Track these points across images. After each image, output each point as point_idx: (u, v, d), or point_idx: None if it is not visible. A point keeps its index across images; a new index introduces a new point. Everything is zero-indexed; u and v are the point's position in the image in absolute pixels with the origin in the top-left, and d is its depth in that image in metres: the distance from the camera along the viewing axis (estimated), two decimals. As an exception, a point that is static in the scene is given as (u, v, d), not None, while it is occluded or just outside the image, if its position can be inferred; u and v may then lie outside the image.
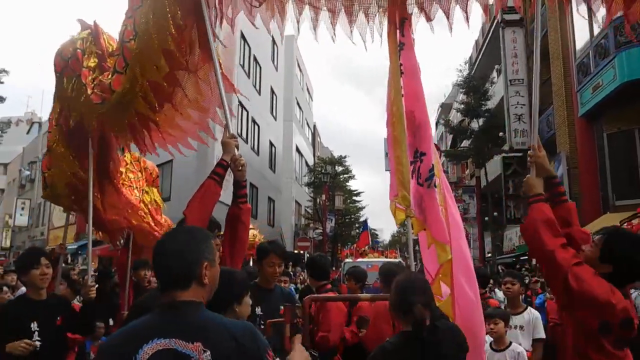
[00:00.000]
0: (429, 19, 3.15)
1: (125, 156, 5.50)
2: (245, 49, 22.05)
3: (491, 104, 21.41)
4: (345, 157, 34.51)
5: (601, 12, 3.14)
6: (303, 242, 28.47)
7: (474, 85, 21.96)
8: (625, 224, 8.98)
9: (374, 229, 48.96)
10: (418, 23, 3.22)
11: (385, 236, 72.75)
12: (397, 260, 13.94)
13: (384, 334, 3.22)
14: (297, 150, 34.61)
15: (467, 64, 24.48)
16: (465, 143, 24.47)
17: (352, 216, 37.31)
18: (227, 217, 2.98)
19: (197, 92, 3.32)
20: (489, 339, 4.12)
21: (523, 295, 6.28)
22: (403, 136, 3.05)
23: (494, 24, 20.73)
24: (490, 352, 4.05)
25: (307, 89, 40.60)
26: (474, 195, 25.05)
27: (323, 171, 31.09)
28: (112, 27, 3.65)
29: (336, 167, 33.21)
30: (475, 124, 21.88)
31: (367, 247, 18.85)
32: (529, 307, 4.91)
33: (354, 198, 38.43)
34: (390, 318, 3.04)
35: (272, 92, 27.79)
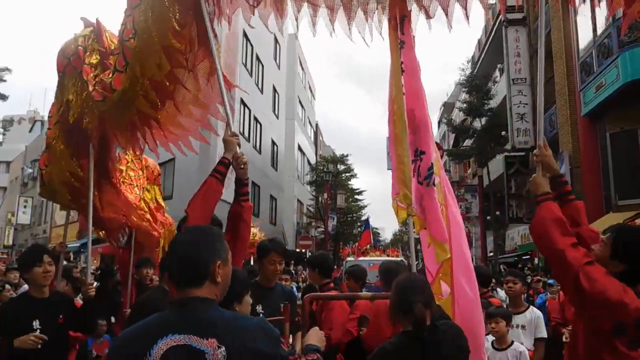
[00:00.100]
0: (428, 16, 3.13)
1: (126, 154, 5.51)
2: (247, 47, 22.06)
3: (494, 103, 21.36)
4: (347, 155, 34.52)
5: (603, 12, 3.13)
6: (305, 241, 28.49)
7: (476, 84, 21.92)
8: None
9: (376, 228, 48.98)
10: (420, 21, 3.21)
11: (387, 235, 72.88)
12: (399, 259, 13.91)
13: (385, 333, 3.21)
14: (299, 148, 34.61)
15: (470, 63, 24.45)
16: (468, 142, 24.43)
17: (354, 215, 37.32)
18: (229, 215, 2.98)
19: (197, 89, 3.31)
20: (490, 338, 4.12)
21: (525, 295, 6.28)
22: (404, 134, 3.03)
23: (497, 23, 20.69)
24: (492, 351, 4.05)
25: (310, 88, 40.59)
26: (476, 195, 25.02)
27: (325, 170, 31.11)
28: (115, 25, 3.65)
29: (338, 166, 33.20)
30: (477, 123, 21.85)
31: (369, 245, 18.85)
32: (531, 307, 4.90)
33: (356, 197, 38.45)
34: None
35: (275, 90, 27.78)
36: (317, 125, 43.69)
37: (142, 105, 3.20)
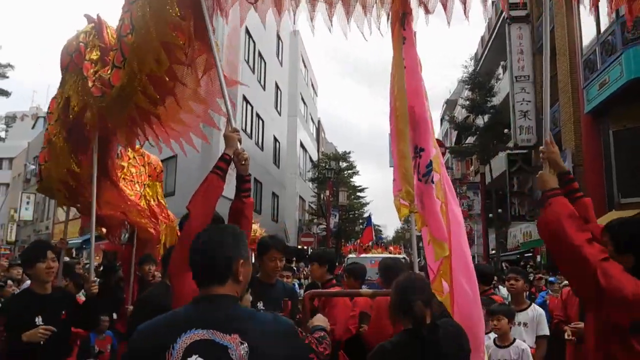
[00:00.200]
0: (427, 11, 3.12)
1: (128, 150, 5.51)
2: (250, 44, 22.04)
3: (496, 101, 21.33)
4: (349, 152, 34.54)
5: (604, 9, 3.11)
6: (307, 238, 28.53)
7: (479, 81, 21.89)
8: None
9: (378, 225, 48.93)
10: (423, 18, 3.19)
11: (389, 232, 72.90)
12: (401, 256, 13.88)
13: (387, 330, 3.21)
14: (302, 145, 34.60)
15: (473, 60, 24.39)
16: (470, 139, 24.40)
17: (356, 212, 37.30)
18: (230, 211, 2.97)
19: (197, 84, 3.30)
20: (492, 335, 4.12)
21: (527, 292, 6.27)
22: (407, 130, 3.02)
23: (500, 19, 20.63)
24: (494, 349, 4.04)
25: (312, 84, 40.55)
26: (478, 192, 25.01)
27: (327, 167, 31.11)
28: (116, 21, 3.65)
29: (340, 163, 33.20)
30: (480, 121, 21.81)
31: (371, 243, 18.82)
32: (533, 304, 4.90)
33: (358, 194, 38.41)
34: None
35: (277, 87, 27.77)
36: (319, 122, 43.66)
37: (141, 101, 3.20)
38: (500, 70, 23.65)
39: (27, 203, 34.47)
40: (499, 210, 21.87)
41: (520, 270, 5.55)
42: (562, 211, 2.30)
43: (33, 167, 34.94)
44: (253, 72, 22.54)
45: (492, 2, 3.12)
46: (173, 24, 2.92)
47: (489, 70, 23.73)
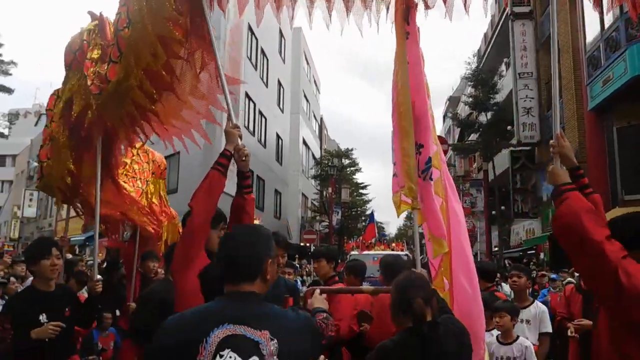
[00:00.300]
0: (427, 6, 3.10)
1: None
2: (252, 41, 22.01)
3: (499, 97, 21.27)
4: (351, 150, 34.47)
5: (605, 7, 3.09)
6: (309, 235, 28.49)
7: (482, 78, 21.80)
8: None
9: (380, 222, 48.94)
10: (429, 13, 3.17)
11: (391, 229, 72.81)
12: (403, 253, 13.88)
13: (390, 328, 3.20)
14: (304, 142, 34.58)
15: (476, 57, 24.30)
16: (473, 136, 24.35)
17: (359, 209, 37.28)
18: (232, 207, 2.97)
19: (196, 79, 3.28)
20: (495, 332, 4.11)
21: (530, 289, 6.26)
22: (411, 127, 2.99)
23: (503, 16, 20.55)
24: (497, 346, 4.04)
25: (314, 81, 40.50)
26: (481, 189, 24.95)
27: (330, 164, 31.07)
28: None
29: (343, 160, 33.15)
30: (483, 118, 21.75)
31: (373, 240, 18.81)
32: (536, 301, 4.88)
33: (361, 191, 38.39)
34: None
35: (279, 84, 27.74)
36: (321, 119, 43.61)
37: (138, 97, 3.17)
38: (503, 67, 23.58)
39: (30, 200, 34.54)
40: (502, 208, 21.82)
41: (522, 267, 5.54)
42: (582, 205, 2.22)
43: (36, 164, 35.01)
44: (255, 69, 22.51)
45: (495, -1, 3.10)
46: (170, 18, 2.90)
47: (492, 67, 23.66)
